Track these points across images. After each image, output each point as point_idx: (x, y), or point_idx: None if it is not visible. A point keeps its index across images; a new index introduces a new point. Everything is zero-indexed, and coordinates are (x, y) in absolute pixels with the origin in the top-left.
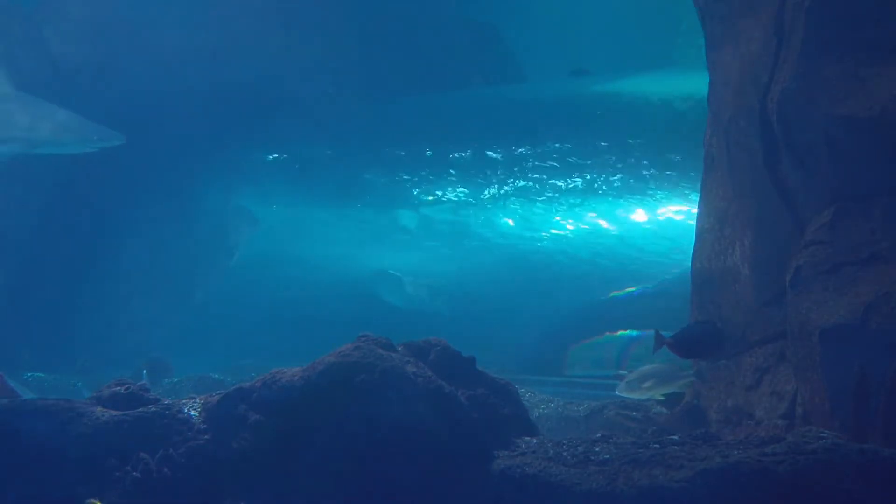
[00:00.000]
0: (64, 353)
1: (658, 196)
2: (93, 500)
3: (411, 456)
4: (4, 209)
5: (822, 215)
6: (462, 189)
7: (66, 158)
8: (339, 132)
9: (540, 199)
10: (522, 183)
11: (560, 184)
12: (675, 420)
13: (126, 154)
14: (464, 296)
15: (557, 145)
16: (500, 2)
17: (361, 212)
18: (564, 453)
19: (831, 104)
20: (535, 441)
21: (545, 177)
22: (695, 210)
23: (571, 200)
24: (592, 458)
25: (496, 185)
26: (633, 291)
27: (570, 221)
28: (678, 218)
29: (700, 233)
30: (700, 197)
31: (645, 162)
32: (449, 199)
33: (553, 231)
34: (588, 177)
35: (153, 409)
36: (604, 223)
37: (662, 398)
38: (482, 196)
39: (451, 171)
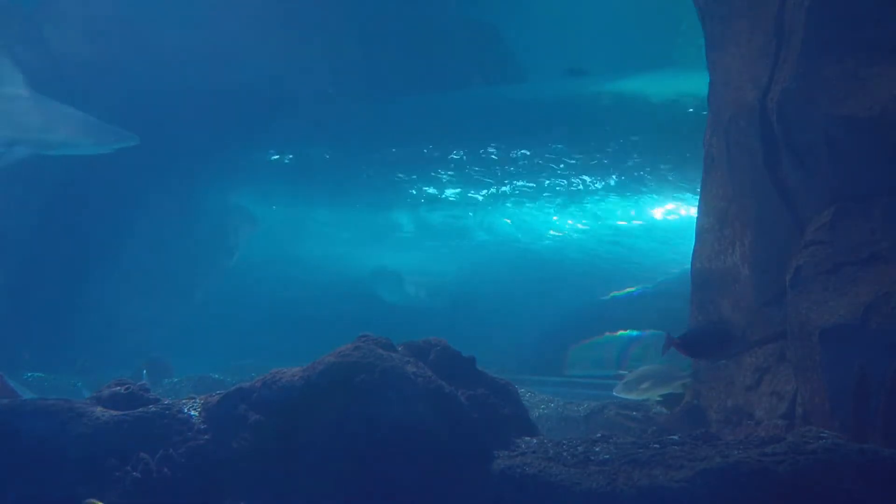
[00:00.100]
0: (64, 353)
1: (657, 196)
2: (93, 500)
3: (411, 456)
4: (4, 209)
5: (822, 215)
6: (461, 189)
7: (66, 158)
8: (338, 132)
9: (539, 199)
10: (522, 183)
11: (560, 184)
12: (676, 420)
13: (126, 154)
14: (464, 296)
15: (557, 146)
16: (500, 2)
17: (361, 212)
18: (564, 453)
19: (831, 104)
20: (535, 441)
21: (545, 177)
22: (693, 210)
23: (571, 200)
24: (592, 458)
25: (496, 186)
26: (632, 291)
27: (570, 221)
28: (675, 218)
29: (700, 233)
30: (700, 197)
31: (644, 162)
32: (448, 199)
33: (552, 231)
34: (587, 177)
35: (153, 409)
36: (603, 223)
37: (660, 399)
38: (482, 196)
39: (450, 171)
